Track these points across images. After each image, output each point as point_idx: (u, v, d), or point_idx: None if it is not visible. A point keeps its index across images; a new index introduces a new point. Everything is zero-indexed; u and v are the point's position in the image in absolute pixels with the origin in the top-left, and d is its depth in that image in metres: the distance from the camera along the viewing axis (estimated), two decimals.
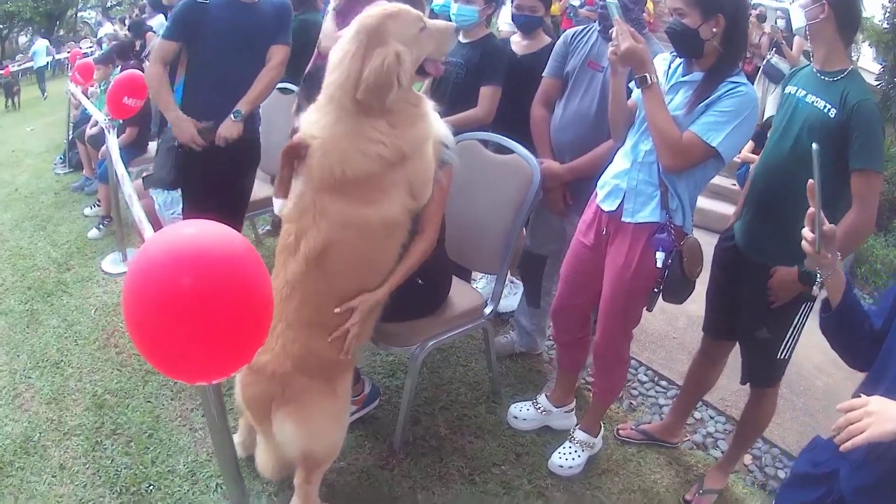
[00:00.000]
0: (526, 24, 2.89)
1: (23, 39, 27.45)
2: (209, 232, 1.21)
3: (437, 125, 2.02)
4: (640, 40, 1.96)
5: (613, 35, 1.99)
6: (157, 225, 3.24)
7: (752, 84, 6.24)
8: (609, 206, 2.17)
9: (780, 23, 6.55)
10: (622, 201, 2.13)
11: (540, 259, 2.82)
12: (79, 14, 28.02)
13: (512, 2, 2.99)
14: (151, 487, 2.29)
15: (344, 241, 1.84)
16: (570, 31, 2.64)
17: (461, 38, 2.88)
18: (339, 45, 1.86)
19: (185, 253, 1.14)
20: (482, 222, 2.43)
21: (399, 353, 2.87)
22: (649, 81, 1.97)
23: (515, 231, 2.46)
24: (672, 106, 2.03)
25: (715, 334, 2.45)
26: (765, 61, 6.39)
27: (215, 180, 2.91)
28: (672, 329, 3.47)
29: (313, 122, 1.87)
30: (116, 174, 3.55)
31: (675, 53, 2.12)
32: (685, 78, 2.06)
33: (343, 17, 2.66)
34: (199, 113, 2.87)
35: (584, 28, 2.61)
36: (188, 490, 2.28)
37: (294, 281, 1.86)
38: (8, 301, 3.70)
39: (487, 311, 2.52)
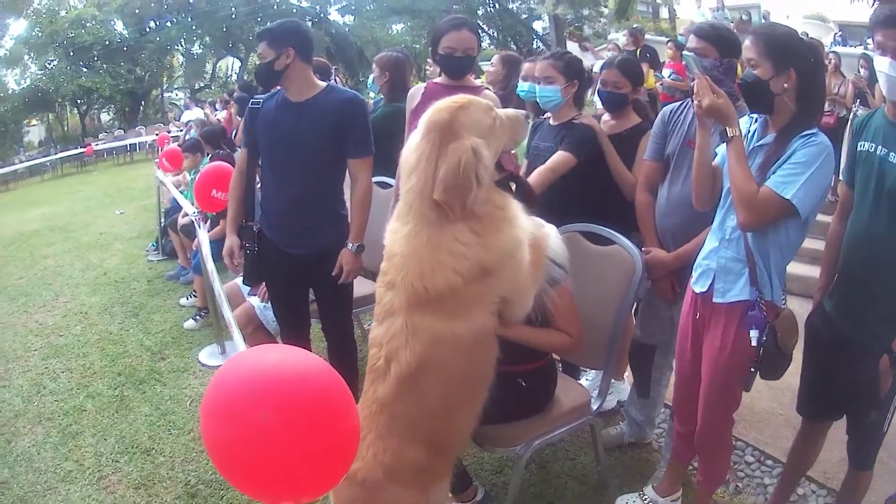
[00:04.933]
0: (608, 100, 2.79)
1: (105, 117, 28.70)
2: (293, 361, 1.20)
3: (552, 241, 1.93)
4: (720, 94, 1.93)
5: (695, 89, 1.97)
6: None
7: (841, 139, 6.01)
8: (700, 288, 2.13)
9: (863, 72, 6.20)
10: (712, 282, 2.08)
11: (649, 349, 2.69)
12: (165, 95, 28.52)
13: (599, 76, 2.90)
14: None
15: (436, 359, 1.76)
16: (667, 109, 2.51)
17: (551, 122, 2.83)
18: (410, 147, 1.77)
19: (266, 386, 1.13)
20: (585, 317, 2.33)
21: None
22: (730, 135, 1.93)
23: (620, 324, 2.36)
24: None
25: (813, 415, 2.34)
26: (851, 114, 5.97)
27: (298, 285, 2.84)
28: (778, 405, 3.26)
29: (394, 232, 1.81)
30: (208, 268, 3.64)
31: (751, 115, 2.07)
32: (761, 142, 2.01)
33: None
34: (270, 218, 2.79)
35: (681, 104, 2.49)
36: None
37: (384, 401, 1.80)
38: (96, 385, 3.76)
39: (594, 406, 2.41)
